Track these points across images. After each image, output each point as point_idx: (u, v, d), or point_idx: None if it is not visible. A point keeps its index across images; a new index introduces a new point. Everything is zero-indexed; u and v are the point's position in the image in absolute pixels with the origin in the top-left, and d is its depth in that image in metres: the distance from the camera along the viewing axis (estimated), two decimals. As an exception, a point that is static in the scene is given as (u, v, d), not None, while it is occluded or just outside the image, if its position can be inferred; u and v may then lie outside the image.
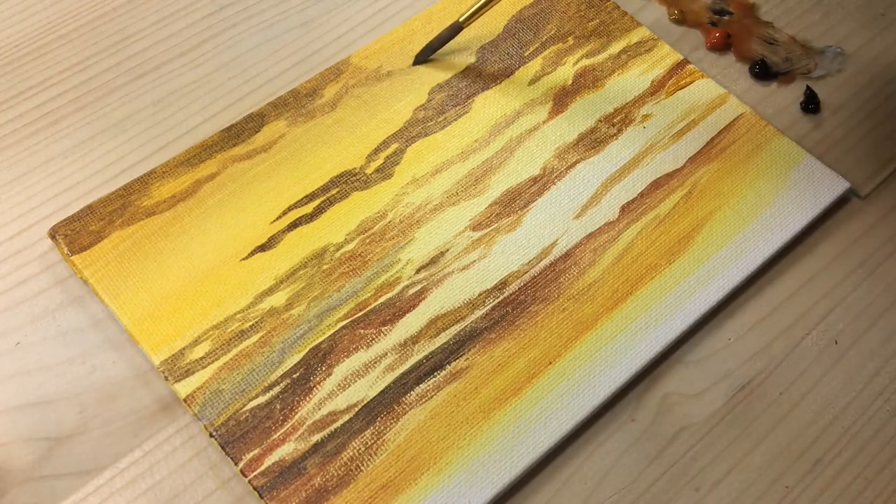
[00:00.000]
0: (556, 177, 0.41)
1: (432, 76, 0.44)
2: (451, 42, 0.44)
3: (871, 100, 0.46)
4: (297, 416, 0.34)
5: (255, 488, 0.33)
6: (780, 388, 0.37)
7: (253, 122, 0.42)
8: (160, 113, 0.43)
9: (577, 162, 0.42)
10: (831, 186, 0.42)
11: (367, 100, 0.43)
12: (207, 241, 0.38)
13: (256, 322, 0.36)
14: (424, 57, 0.44)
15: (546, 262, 0.39)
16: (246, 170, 0.40)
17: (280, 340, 0.36)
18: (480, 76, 0.44)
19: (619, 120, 0.43)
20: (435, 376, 0.36)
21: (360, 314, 0.37)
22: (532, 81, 0.44)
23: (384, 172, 0.41)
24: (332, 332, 0.36)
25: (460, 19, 0.43)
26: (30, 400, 0.35)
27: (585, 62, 0.45)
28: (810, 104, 0.45)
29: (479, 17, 0.43)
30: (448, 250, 0.39)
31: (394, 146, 0.42)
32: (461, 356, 0.36)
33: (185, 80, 0.44)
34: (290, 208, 0.39)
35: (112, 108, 0.43)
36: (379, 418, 0.35)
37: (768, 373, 0.38)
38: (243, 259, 0.38)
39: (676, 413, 0.36)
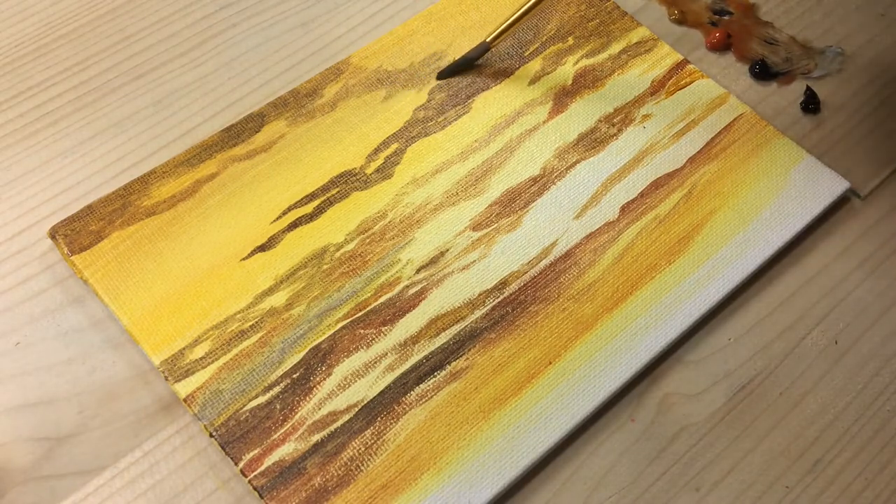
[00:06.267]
0: (556, 177, 0.41)
1: (432, 76, 0.44)
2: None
3: (871, 100, 0.46)
4: (297, 416, 0.34)
5: (255, 488, 0.33)
6: (780, 388, 0.37)
7: (253, 122, 0.42)
8: (160, 113, 0.43)
9: (577, 162, 0.42)
10: (831, 186, 0.42)
11: (367, 100, 0.43)
12: (207, 241, 0.38)
13: (256, 322, 0.36)
14: (449, 74, 0.44)
15: (546, 262, 0.39)
16: (246, 170, 0.40)
17: (280, 340, 0.36)
18: (480, 76, 0.44)
19: (619, 120, 0.43)
20: (435, 376, 0.36)
21: (360, 314, 0.37)
22: (532, 81, 0.44)
23: (384, 172, 0.41)
24: (332, 332, 0.36)
25: (487, 39, 0.43)
26: (30, 400, 0.35)
27: (585, 62, 0.45)
28: (810, 104, 0.45)
29: (506, 36, 0.43)
30: (448, 250, 0.39)
31: (394, 146, 0.42)
32: (461, 356, 0.36)
33: (185, 80, 0.44)
34: (290, 208, 0.39)
35: (112, 108, 0.43)
36: (379, 418, 0.35)
37: (768, 373, 0.38)
38: (243, 259, 0.38)
39: (676, 413, 0.36)
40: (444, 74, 0.44)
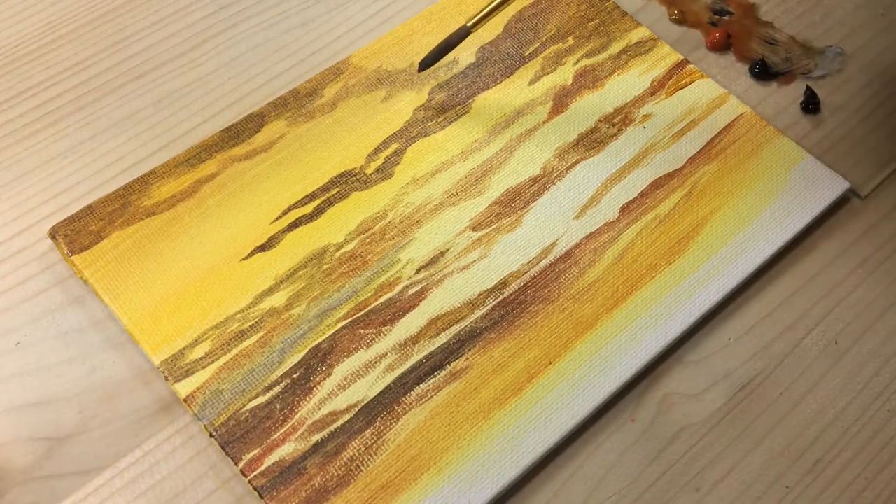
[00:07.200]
0: (556, 177, 0.41)
1: (432, 76, 0.44)
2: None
3: (871, 100, 0.46)
4: (297, 416, 0.34)
5: (255, 488, 0.33)
6: (780, 388, 0.37)
7: (253, 122, 0.42)
8: (160, 113, 0.43)
9: (577, 162, 0.42)
10: (831, 186, 0.42)
11: (367, 100, 0.43)
12: (207, 241, 0.38)
13: (256, 322, 0.36)
14: (431, 62, 0.43)
15: (546, 262, 0.39)
16: (246, 170, 0.40)
17: (280, 340, 0.36)
18: (480, 76, 0.44)
19: (619, 120, 0.43)
20: (435, 376, 0.36)
21: (360, 314, 0.37)
22: (532, 81, 0.44)
23: (384, 172, 0.41)
24: (332, 332, 0.36)
25: (468, 24, 0.41)
26: (30, 400, 0.35)
27: (585, 62, 0.45)
28: (810, 104, 0.45)
29: (487, 21, 0.42)
30: (448, 250, 0.39)
31: (394, 146, 0.42)
32: (461, 356, 0.36)
33: (185, 80, 0.44)
34: (290, 208, 0.39)
35: (112, 108, 0.43)
36: (379, 418, 0.35)
37: (768, 373, 0.38)
38: (243, 259, 0.38)
39: (676, 413, 0.36)
40: (426, 63, 0.43)
